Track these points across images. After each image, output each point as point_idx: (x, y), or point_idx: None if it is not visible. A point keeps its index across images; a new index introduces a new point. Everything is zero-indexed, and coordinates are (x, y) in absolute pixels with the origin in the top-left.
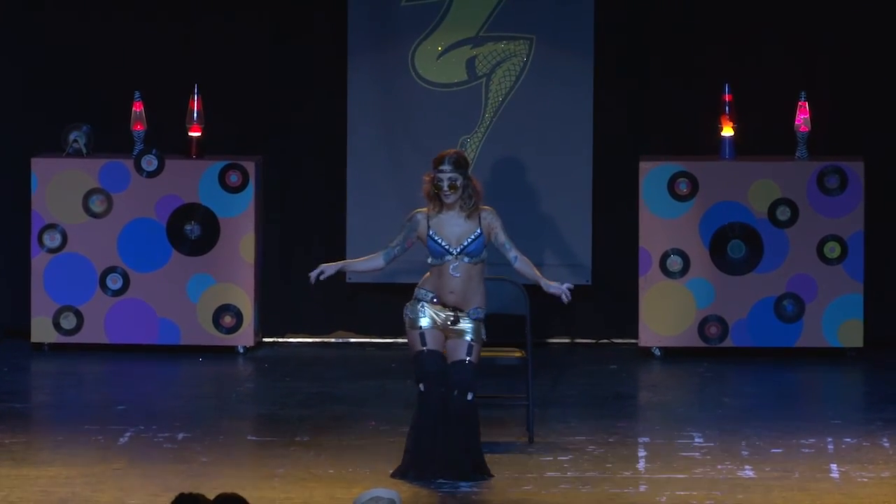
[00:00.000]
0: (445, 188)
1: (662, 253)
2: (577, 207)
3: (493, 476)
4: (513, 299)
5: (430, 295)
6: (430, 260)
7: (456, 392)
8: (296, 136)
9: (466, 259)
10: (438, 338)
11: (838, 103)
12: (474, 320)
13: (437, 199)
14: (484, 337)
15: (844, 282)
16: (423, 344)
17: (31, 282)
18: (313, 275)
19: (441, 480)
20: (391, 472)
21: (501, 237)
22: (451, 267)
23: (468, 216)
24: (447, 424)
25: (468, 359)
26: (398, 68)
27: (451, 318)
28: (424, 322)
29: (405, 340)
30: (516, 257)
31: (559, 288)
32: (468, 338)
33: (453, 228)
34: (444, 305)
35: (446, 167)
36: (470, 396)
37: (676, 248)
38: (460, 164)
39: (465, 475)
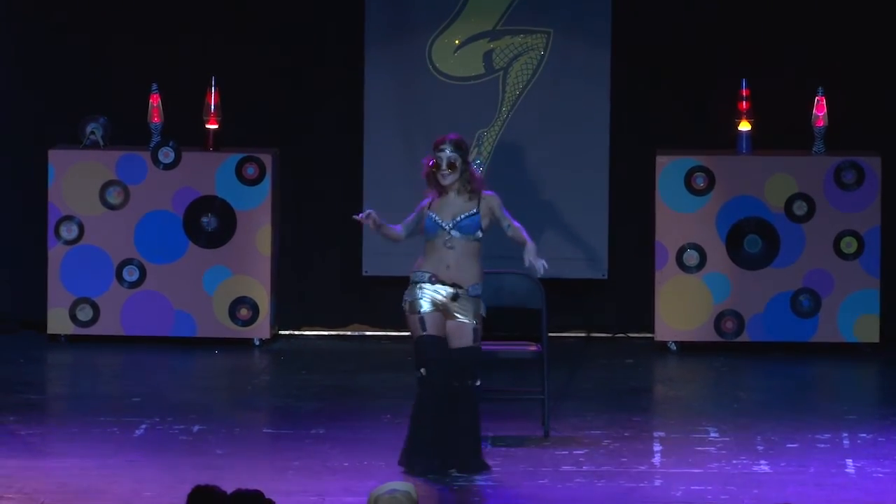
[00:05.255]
0: (444, 167)
1: (679, 247)
2: (593, 202)
3: (490, 468)
4: (528, 293)
5: (427, 275)
6: (425, 237)
7: (464, 380)
8: (313, 129)
9: (457, 233)
10: (438, 321)
11: (855, 98)
12: (473, 297)
13: (435, 180)
14: (483, 313)
15: (861, 277)
16: (423, 329)
17: (47, 273)
18: (361, 216)
19: (455, 473)
20: (398, 460)
21: (498, 213)
22: (445, 240)
23: (469, 199)
24: (453, 412)
25: (473, 344)
26: (415, 62)
27: (452, 294)
28: (424, 305)
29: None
30: (508, 226)
31: (533, 263)
32: (471, 323)
33: (450, 208)
34: (443, 282)
35: (446, 147)
36: (478, 382)
37: (693, 242)
38: (459, 146)
39: (466, 465)
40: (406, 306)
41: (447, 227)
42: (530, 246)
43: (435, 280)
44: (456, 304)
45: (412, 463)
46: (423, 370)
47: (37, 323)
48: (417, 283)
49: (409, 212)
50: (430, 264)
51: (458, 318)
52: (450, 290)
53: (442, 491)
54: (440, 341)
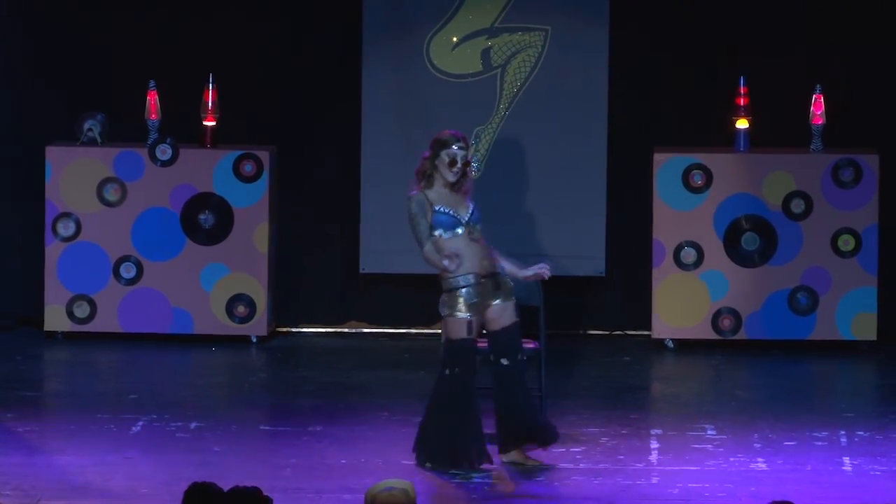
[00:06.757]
0: (460, 165)
1: (676, 245)
2: (591, 199)
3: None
4: (526, 291)
5: (471, 278)
6: (443, 234)
7: (519, 356)
8: (310, 126)
9: (477, 223)
10: (479, 326)
11: (853, 96)
12: (504, 279)
13: (431, 178)
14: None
15: (858, 275)
16: (469, 333)
17: (44, 270)
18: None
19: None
20: (421, 462)
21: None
22: (469, 232)
23: (462, 197)
24: (511, 396)
25: (517, 319)
26: (413, 59)
27: (495, 284)
28: (468, 309)
29: (418, 330)
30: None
31: (537, 270)
32: (511, 301)
33: (452, 200)
34: (484, 277)
35: (460, 144)
36: (524, 357)
37: (690, 240)
38: (467, 143)
39: (550, 435)
40: (444, 311)
41: (465, 220)
42: (525, 272)
43: (478, 279)
44: (498, 289)
45: (459, 460)
46: (456, 369)
47: (34, 320)
48: (462, 287)
49: (405, 209)
50: (469, 265)
51: (497, 301)
52: (492, 281)
53: (440, 488)
54: (477, 345)
